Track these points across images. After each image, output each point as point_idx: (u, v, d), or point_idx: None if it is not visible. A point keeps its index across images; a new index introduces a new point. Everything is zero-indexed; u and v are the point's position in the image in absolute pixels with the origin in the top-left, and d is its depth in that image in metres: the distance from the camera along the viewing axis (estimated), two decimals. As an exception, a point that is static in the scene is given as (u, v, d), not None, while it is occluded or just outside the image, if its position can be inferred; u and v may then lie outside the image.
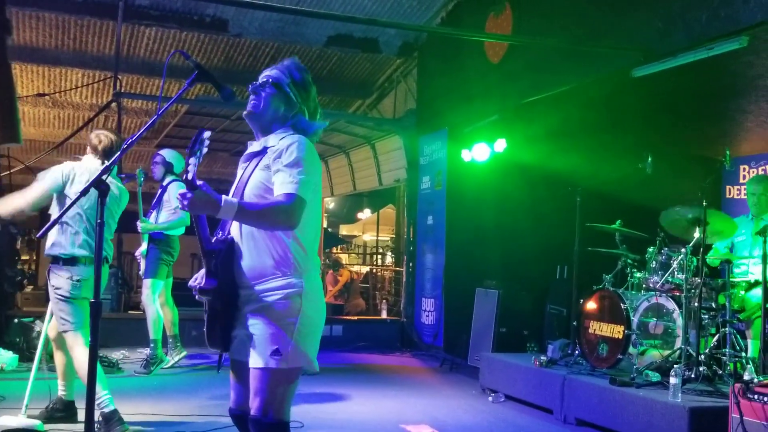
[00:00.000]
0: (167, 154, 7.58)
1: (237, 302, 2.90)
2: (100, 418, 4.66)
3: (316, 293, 2.92)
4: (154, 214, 7.38)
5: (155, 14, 8.97)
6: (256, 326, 2.83)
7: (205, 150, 2.76)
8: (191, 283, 2.92)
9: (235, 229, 2.92)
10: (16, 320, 7.70)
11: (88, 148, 5.00)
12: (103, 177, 2.77)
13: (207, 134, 2.74)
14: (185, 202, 2.67)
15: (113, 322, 8.08)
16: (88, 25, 9.30)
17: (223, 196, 2.75)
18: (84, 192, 2.88)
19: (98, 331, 2.74)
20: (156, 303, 7.30)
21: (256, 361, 2.81)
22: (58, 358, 5.02)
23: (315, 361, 2.91)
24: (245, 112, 3.01)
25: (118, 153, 3.48)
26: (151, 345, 7.23)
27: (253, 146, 3.01)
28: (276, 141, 2.91)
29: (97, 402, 4.71)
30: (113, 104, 8.77)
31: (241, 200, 2.82)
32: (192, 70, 2.97)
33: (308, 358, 2.87)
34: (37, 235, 3.35)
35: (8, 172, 6.52)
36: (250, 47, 10.06)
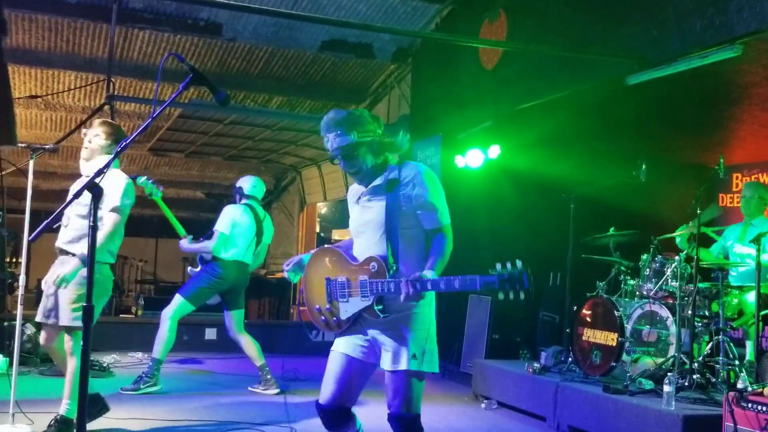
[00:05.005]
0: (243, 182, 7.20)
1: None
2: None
3: (434, 304, 3.42)
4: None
5: (149, 17, 8.93)
6: (393, 334, 3.26)
7: None
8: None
9: (363, 249, 3.36)
10: (6, 323, 7.65)
11: (108, 142, 4.82)
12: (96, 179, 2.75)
13: None
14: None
15: (104, 326, 8.02)
16: (82, 27, 9.26)
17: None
18: (77, 194, 2.86)
19: (90, 335, 2.71)
20: (174, 322, 6.65)
21: (396, 364, 3.22)
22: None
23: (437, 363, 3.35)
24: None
25: (112, 156, 3.45)
26: (150, 363, 6.65)
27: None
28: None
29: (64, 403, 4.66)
30: (106, 107, 8.72)
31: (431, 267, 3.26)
32: (185, 74, 2.96)
33: (436, 362, 3.31)
34: (30, 238, 3.32)
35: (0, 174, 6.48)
36: (244, 51, 10.04)
